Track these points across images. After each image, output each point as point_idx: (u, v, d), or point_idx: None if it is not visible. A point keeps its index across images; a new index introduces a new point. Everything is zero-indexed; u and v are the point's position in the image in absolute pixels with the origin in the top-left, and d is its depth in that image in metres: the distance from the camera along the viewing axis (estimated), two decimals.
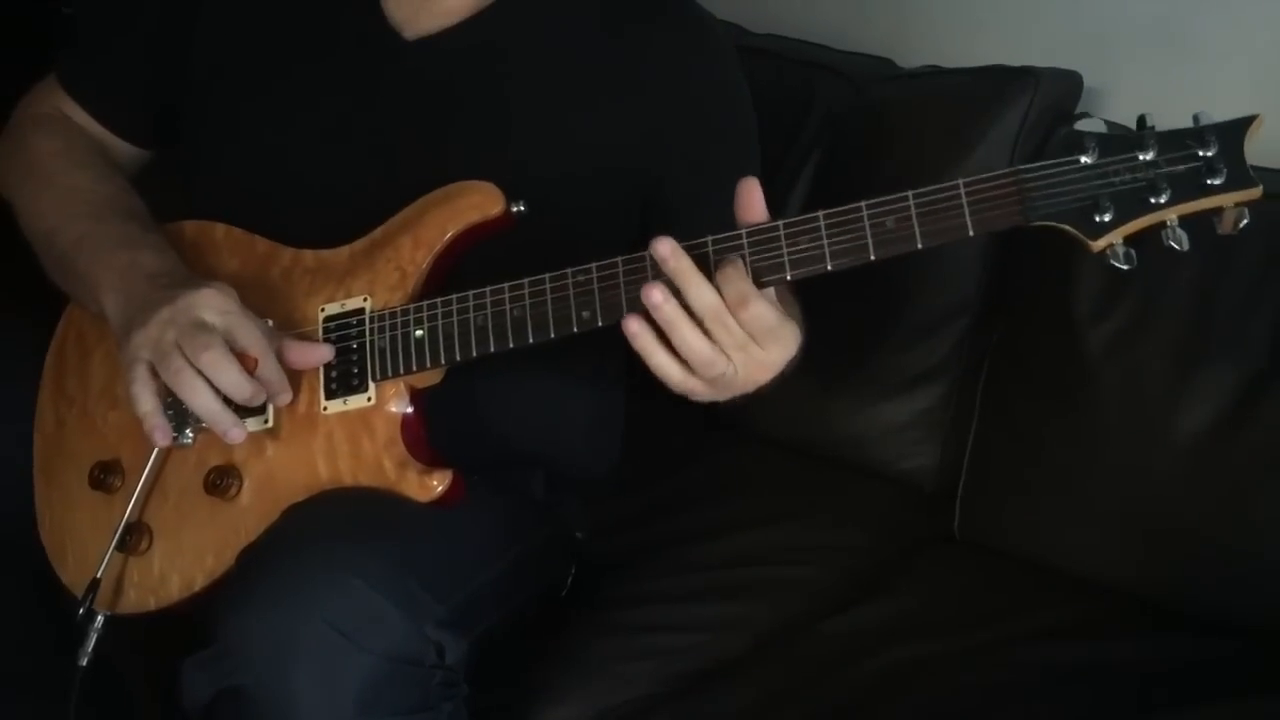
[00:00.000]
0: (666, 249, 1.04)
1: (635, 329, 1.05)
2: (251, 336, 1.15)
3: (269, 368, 1.16)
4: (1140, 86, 1.69)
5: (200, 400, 1.14)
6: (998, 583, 1.56)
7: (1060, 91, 1.67)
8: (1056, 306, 1.56)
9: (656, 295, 1.03)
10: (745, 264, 1.05)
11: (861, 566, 1.61)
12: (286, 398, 1.19)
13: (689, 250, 1.05)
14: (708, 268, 1.05)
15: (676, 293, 1.04)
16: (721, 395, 1.09)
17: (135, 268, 1.22)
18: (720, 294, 1.03)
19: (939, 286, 1.67)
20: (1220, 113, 1.02)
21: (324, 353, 1.19)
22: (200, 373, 1.13)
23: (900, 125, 1.72)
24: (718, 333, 1.04)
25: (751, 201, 1.06)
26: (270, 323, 1.21)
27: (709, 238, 1.07)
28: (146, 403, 1.15)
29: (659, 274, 1.06)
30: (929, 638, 1.45)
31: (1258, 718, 1.31)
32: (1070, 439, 1.54)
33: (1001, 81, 1.67)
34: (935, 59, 1.82)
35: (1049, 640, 1.44)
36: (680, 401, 1.10)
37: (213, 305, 1.15)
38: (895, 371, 1.71)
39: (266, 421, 1.20)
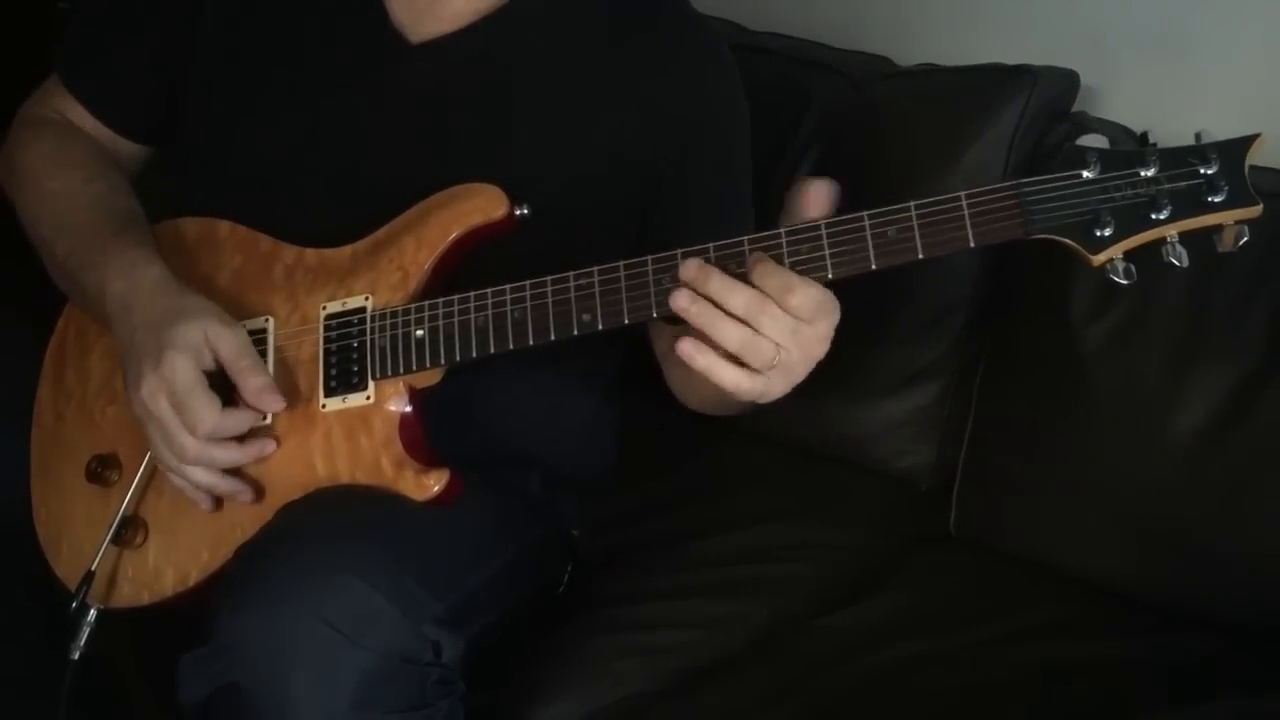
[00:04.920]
0: (693, 269, 1.05)
1: (690, 350, 1.05)
2: (199, 410, 1.16)
3: (227, 428, 1.17)
4: (1137, 85, 1.70)
5: (223, 457, 1.18)
6: (993, 580, 1.56)
7: (1057, 90, 1.67)
8: (1052, 304, 1.56)
9: (683, 300, 1.05)
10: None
11: (857, 564, 1.61)
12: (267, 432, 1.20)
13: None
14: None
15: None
16: (788, 384, 1.08)
17: (107, 299, 1.22)
18: (760, 289, 1.03)
19: (935, 284, 1.68)
20: (1216, 111, 1.02)
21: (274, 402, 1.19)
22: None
23: (898, 123, 1.72)
24: (765, 325, 1.03)
25: (817, 198, 1.07)
26: (268, 320, 1.23)
27: (711, 245, 1.07)
28: (202, 478, 1.19)
29: (660, 278, 1.07)
30: (924, 635, 1.45)
31: (1254, 716, 1.31)
32: (1066, 437, 1.55)
33: (998, 80, 1.67)
34: (933, 57, 1.82)
35: (1044, 638, 1.45)
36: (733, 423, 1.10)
37: (164, 390, 1.16)
38: (891, 369, 1.71)
39: (265, 418, 1.20)
